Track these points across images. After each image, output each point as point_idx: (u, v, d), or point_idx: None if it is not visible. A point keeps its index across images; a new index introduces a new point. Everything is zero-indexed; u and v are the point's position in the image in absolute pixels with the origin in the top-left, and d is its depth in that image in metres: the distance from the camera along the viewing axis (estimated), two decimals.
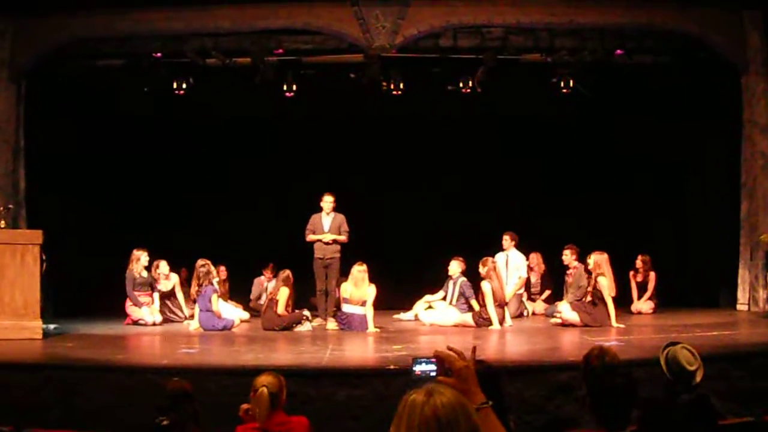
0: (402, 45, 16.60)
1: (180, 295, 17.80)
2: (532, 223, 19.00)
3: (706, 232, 18.81)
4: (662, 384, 6.81)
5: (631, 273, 18.09)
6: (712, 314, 16.63)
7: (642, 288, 18.13)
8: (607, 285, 15.69)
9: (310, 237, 16.58)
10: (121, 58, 17.61)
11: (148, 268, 17.26)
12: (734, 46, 16.76)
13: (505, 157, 20.37)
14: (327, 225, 16.57)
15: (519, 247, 18.20)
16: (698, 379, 6.78)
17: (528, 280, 18.69)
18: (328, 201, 16.59)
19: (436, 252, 17.47)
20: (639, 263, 18.08)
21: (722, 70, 17.26)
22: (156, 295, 17.21)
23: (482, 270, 16.15)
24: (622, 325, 15.52)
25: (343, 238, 16.61)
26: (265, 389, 7.00)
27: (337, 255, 16.64)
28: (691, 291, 18.61)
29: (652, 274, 18.07)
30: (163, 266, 17.75)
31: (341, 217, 16.69)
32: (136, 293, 16.79)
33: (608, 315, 15.61)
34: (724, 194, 17.89)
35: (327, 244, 16.54)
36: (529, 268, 18.70)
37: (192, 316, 17.00)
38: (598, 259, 15.89)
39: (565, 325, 15.73)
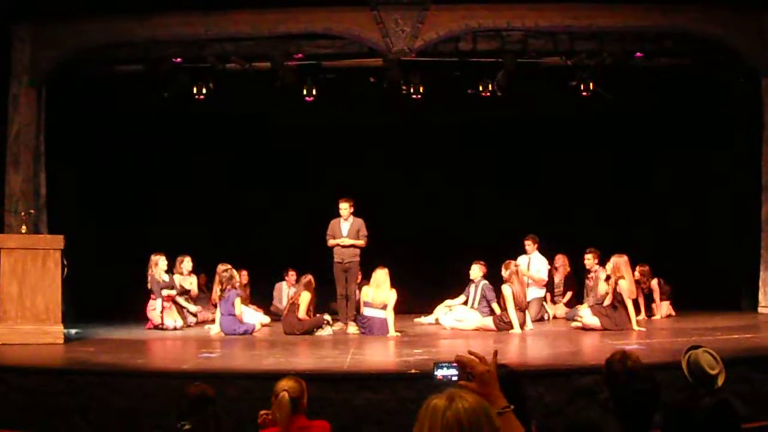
0: (421, 49, 16.58)
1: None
2: (554, 226, 19.00)
3: (727, 235, 18.73)
4: (684, 387, 6.79)
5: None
6: (734, 317, 16.59)
7: (648, 298, 17.97)
8: (627, 288, 15.64)
9: (330, 242, 16.62)
10: (141, 63, 17.63)
11: (169, 271, 17.32)
12: (754, 49, 16.66)
13: (527, 160, 20.34)
14: (345, 230, 16.58)
15: (544, 249, 18.20)
16: (720, 382, 6.75)
17: (551, 281, 18.68)
18: (343, 207, 16.61)
19: (458, 256, 17.50)
20: (638, 275, 17.81)
21: (743, 72, 17.22)
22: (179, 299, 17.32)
23: (505, 273, 16.17)
24: (643, 329, 15.49)
25: (361, 242, 16.60)
26: (285, 394, 6.99)
27: (356, 259, 16.67)
28: (713, 294, 18.50)
29: (654, 283, 17.90)
30: (187, 262, 17.85)
31: (360, 222, 16.68)
32: (158, 297, 16.87)
33: (629, 318, 15.58)
34: (745, 196, 17.81)
35: (345, 247, 16.58)
36: (554, 269, 18.69)
37: (209, 321, 17.16)
38: (617, 262, 15.85)
39: (586, 329, 15.69)
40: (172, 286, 17.19)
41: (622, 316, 15.60)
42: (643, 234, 19.27)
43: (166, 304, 16.92)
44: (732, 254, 18.35)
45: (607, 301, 15.92)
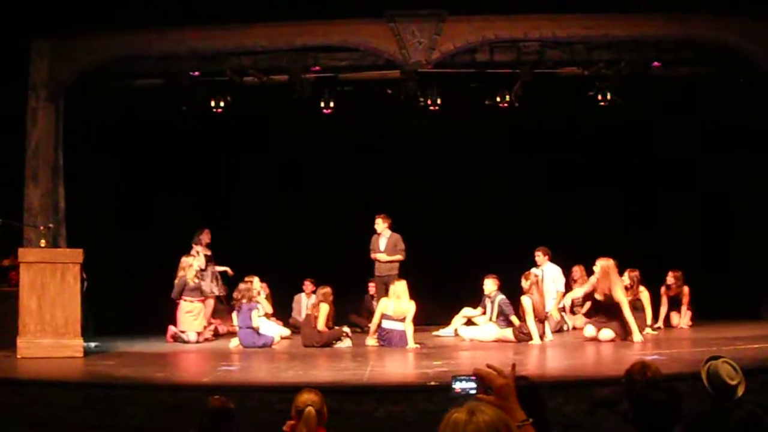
0: (438, 60, 16.56)
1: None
2: (572, 237, 18.95)
3: (747, 243, 18.67)
4: (705, 398, 6.77)
5: (663, 289, 17.88)
6: (754, 326, 16.50)
7: (674, 302, 17.94)
8: (623, 294, 15.61)
9: (372, 256, 17.26)
10: (159, 77, 17.68)
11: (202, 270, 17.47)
12: None
13: (544, 171, 20.29)
14: (382, 245, 17.27)
15: (559, 261, 18.15)
16: (740, 393, 6.72)
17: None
18: (376, 223, 17.27)
19: (476, 267, 17.44)
20: (671, 279, 17.79)
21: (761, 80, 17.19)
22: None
23: (525, 284, 16.16)
24: (641, 339, 15.40)
25: (398, 257, 17.26)
26: (311, 408, 6.95)
27: (394, 272, 17.17)
28: (732, 303, 18.44)
29: (686, 289, 17.87)
30: (206, 235, 18.08)
31: (396, 237, 17.32)
32: (187, 298, 16.95)
33: (629, 328, 15.50)
34: (766, 204, 17.77)
35: (383, 262, 17.10)
36: (573, 281, 18.62)
37: (227, 335, 17.23)
38: (604, 266, 15.73)
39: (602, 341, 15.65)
40: (200, 289, 17.21)
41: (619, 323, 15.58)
42: (662, 242, 19.21)
43: (195, 306, 16.95)
44: (752, 262, 18.30)
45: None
